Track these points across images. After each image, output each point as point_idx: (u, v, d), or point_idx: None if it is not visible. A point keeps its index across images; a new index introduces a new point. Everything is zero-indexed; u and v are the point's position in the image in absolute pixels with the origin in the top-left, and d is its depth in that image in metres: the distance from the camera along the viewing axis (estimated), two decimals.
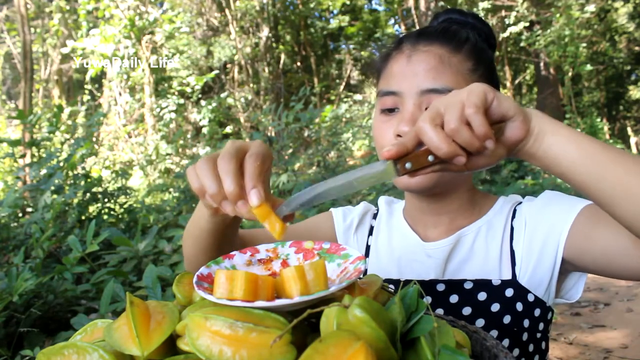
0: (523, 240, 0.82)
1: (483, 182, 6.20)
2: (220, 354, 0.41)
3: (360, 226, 0.99)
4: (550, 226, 0.79)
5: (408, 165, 0.58)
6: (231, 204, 0.57)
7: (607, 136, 12.45)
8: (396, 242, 0.93)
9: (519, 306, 0.79)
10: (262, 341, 0.41)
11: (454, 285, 0.82)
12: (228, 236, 0.77)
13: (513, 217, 0.86)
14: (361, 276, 0.57)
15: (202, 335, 0.42)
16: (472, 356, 0.54)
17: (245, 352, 0.40)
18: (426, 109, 0.78)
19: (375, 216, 1.00)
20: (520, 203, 0.89)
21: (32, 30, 9.66)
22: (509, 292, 0.80)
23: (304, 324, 0.49)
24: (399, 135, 0.78)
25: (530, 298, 0.80)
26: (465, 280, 0.82)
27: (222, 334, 0.42)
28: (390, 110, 0.82)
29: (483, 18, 0.95)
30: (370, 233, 0.98)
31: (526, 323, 0.80)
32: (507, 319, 0.79)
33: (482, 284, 0.81)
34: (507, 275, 0.81)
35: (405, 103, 0.80)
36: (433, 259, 0.86)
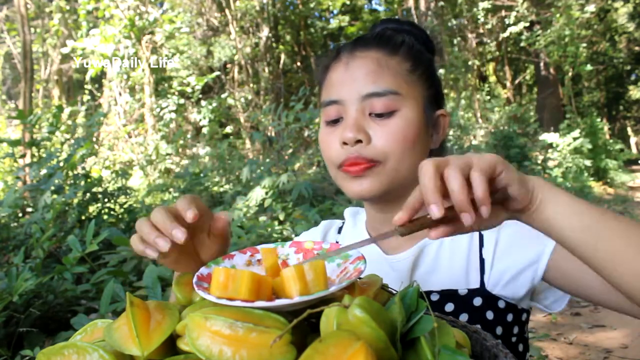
0: (495, 249, 0.81)
1: None
2: (220, 354, 0.41)
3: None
4: (533, 243, 0.78)
5: (404, 230, 0.57)
6: (167, 236, 0.60)
7: (607, 136, 12.45)
8: None
9: (489, 315, 0.78)
10: (262, 341, 0.41)
11: None
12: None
13: None
14: (361, 276, 0.57)
15: (202, 335, 0.42)
16: (472, 356, 0.54)
17: (245, 352, 0.40)
18: (370, 114, 0.78)
19: (340, 230, 0.99)
20: None
21: (32, 30, 9.66)
22: (477, 301, 0.78)
23: (304, 324, 0.49)
24: (345, 143, 0.78)
25: (501, 305, 0.79)
26: (431, 292, 0.80)
27: (222, 334, 0.42)
28: (334, 122, 0.82)
29: (419, 24, 0.96)
30: None
31: (499, 330, 0.79)
32: None
33: (448, 295, 0.79)
34: (475, 284, 0.80)
35: (347, 110, 0.80)
36: (397, 271, 0.84)
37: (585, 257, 0.59)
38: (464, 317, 0.78)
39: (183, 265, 0.70)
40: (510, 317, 0.80)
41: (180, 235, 0.59)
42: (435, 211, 0.52)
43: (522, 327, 0.83)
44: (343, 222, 1.01)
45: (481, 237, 0.82)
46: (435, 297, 0.80)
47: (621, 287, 0.58)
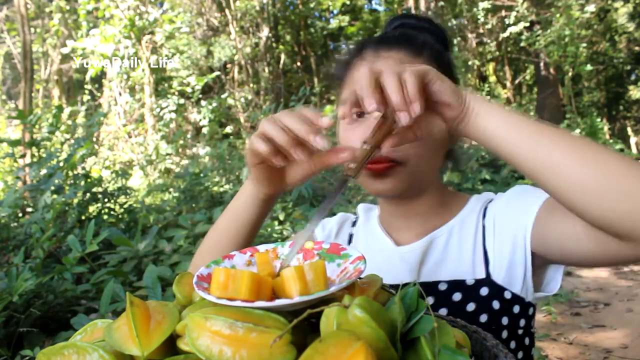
0: (494, 238, 0.83)
1: (483, 182, 6.20)
2: (220, 354, 0.41)
3: (339, 234, 1.00)
4: (517, 221, 0.80)
5: (352, 165, 0.63)
6: (307, 140, 0.60)
7: (607, 136, 12.44)
8: (372, 248, 0.93)
9: (495, 304, 0.80)
10: (262, 341, 0.41)
11: (429, 288, 0.82)
12: (262, 220, 0.80)
13: (484, 216, 0.86)
14: (361, 276, 0.57)
15: (202, 335, 0.42)
16: (472, 356, 0.54)
17: (245, 352, 0.41)
18: None
19: (354, 224, 1.01)
20: (492, 200, 0.89)
21: (32, 30, 9.66)
22: (484, 291, 0.80)
23: (304, 324, 0.49)
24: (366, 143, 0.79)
25: (507, 295, 0.80)
26: (439, 282, 0.82)
27: (222, 334, 0.42)
28: (358, 116, 0.82)
29: (437, 22, 0.97)
30: (350, 241, 0.99)
31: (505, 321, 0.80)
32: (483, 318, 0.79)
33: (456, 285, 0.81)
34: (481, 275, 0.82)
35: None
36: (406, 262, 0.86)
37: (519, 166, 0.62)
38: (471, 307, 0.80)
39: (267, 177, 0.71)
40: (517, 309, 0.81)
41: (321, 142, 0.59)
42: (372, 104, 0.58)
43: (529, 322, 0.84)
44: (357, 217, 1.02)
45: (484, 229, 0.85)
46: (443, 287, 0.82)
47: (559, 195, 0.60)
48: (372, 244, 0.94)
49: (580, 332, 3.27)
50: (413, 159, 0.79)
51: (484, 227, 0.85)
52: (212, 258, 0.79)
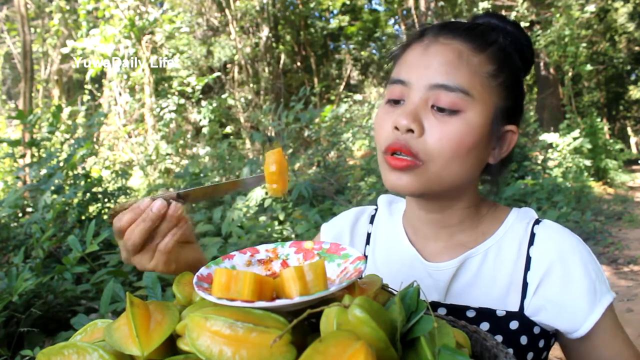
0: (542, 278, 0.77)
1: (482, 182, 6.19)
2: (220, 354, 0.41)
3: (355, 236, 0.93)
4: (573, 310, 0.76)
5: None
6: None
7: (607, 136, 12.44)
8: (395, 255, 0.87)
9: (523, 340, 0.76)
10: (262, 341, 0.41)
11: (456, 312, 0.78)
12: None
13: (531, 242, 0.79)
14: (361, 276, 0.57)
15: (202, 335, 0.42)
16: (472, 356, 0.54)
17: (245, 352, 0.41)
18: (432, 106, 0.72)
19: (372, 219, 0.94)
20: (537, 222, 0.81)
21: (32, 30, 9.67)
22: (514, 325, 0.76)
23: (304, 324, 0.49)
24: (396, 128, 0.73)
25: (536, 331, 0.77)
26: (468, 308, 0.77)
27: (222, 334, 0.42)
28: (396, 102, 0.76)
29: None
30: (368, 242, 0.92)
31: (530, 356, 0.77)
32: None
33: (485, 314, 0.76)
34: (514, 307, 0.77)
35: (411, 95, 0.74)
36: (435, 279, 0.81)
37: None
38: (497, 339, 0.75)
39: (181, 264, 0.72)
40: (542, 343, 0.78)
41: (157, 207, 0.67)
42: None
43: (548, 351, 0.81)
44: (376, 209, 0.96)
45: (528, 260, 0.78)
46: (471, 314, 0.77)
47: None
48: (394, 250, 0.88)
49: None
50: (438, 160, 0.72)
51: (529, 257, 0.78)
52: None
